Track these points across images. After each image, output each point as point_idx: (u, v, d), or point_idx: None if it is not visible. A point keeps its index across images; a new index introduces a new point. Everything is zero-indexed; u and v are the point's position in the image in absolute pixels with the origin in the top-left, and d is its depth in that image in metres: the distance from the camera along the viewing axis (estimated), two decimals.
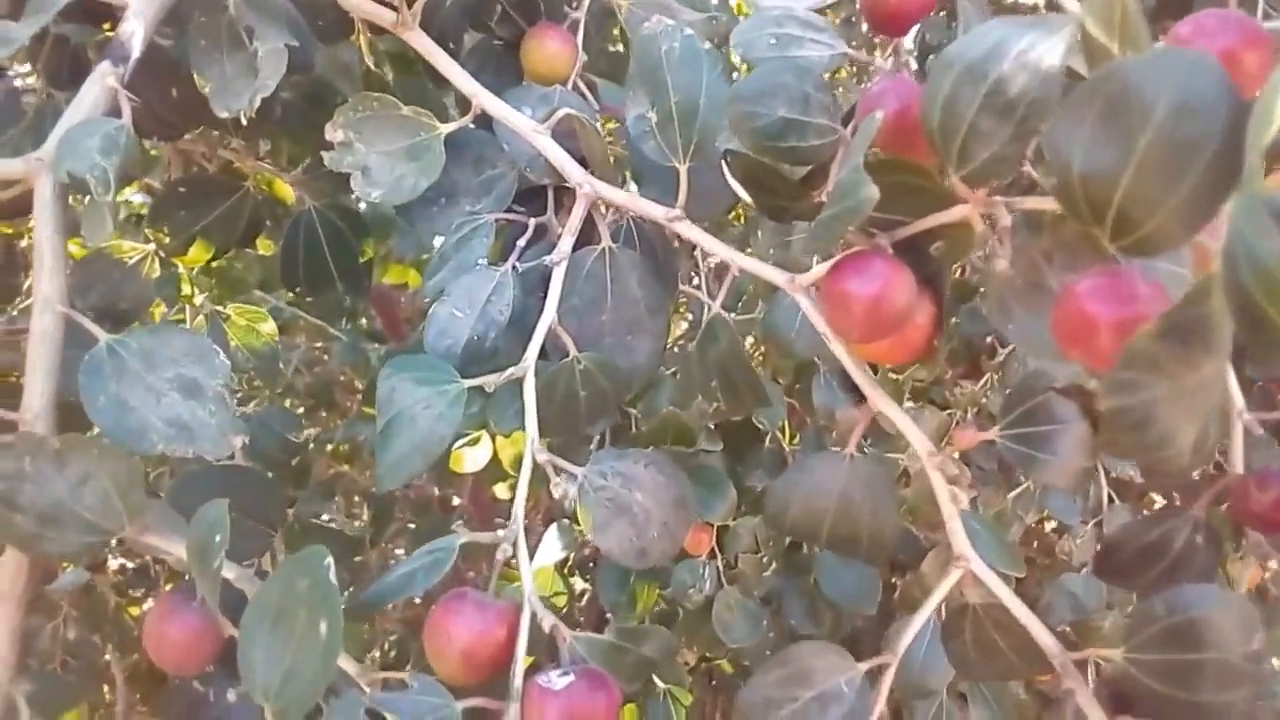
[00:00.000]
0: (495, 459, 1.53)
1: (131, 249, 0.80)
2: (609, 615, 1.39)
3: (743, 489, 1.30)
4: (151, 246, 0.77)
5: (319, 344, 1.89)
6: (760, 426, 1.31)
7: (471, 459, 1.60)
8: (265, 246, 0.88)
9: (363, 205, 0.74)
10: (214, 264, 0.80)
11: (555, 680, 0.44)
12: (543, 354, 0.56)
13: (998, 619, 0.52)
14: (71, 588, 1.84)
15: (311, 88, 0.70)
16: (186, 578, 0.55)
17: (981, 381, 1.58)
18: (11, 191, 0.54)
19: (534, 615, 0.47)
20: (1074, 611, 1.39)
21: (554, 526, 1.42)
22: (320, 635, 0.44)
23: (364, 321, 1.80)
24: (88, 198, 0.51)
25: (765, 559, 1.28)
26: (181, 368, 0.53)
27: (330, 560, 0.45)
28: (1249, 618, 0.45)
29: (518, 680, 0.45)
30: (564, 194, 0.63)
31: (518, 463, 1.57)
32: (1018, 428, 0.51)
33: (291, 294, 0.74)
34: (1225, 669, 0.45)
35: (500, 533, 0.48)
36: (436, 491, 2.04)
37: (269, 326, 0.76)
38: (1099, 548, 0.59)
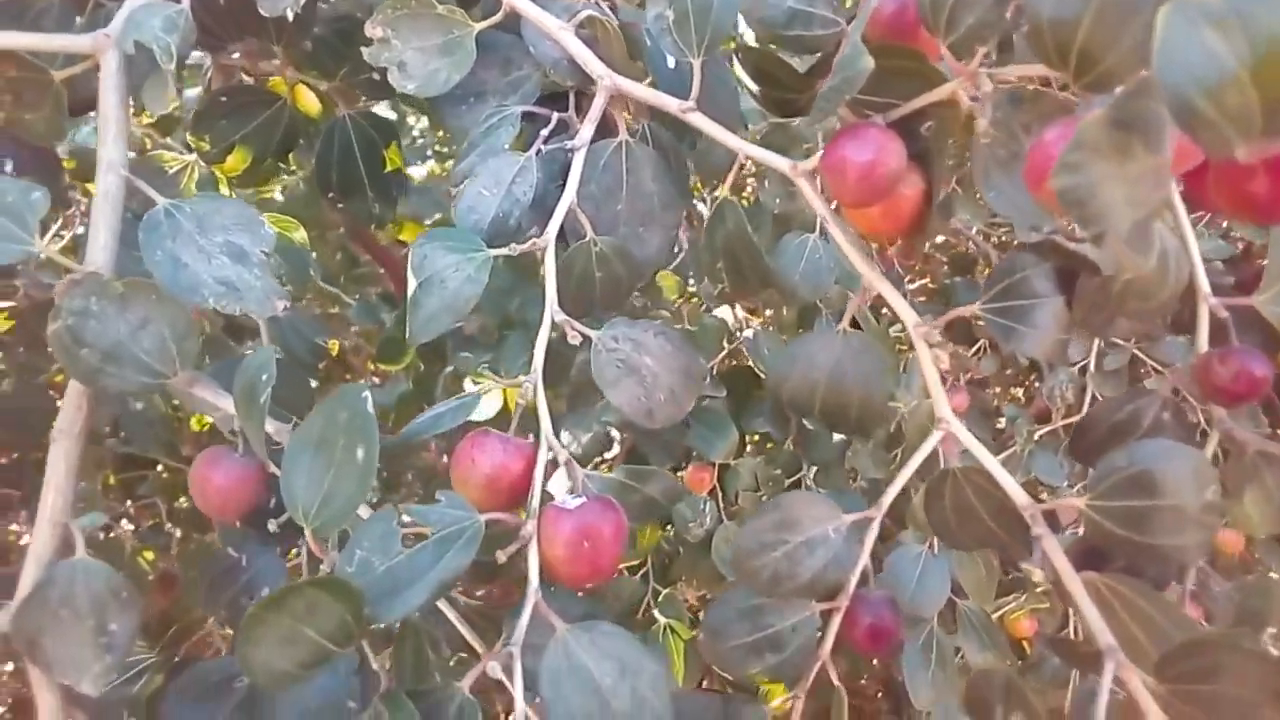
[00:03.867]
0: (505, 409, 1.58)
1: (173, 158, 0.84)
2: None
3: (743, 433, 1.35)
4: (192, 157, 0.82)
5: (334, 308, 1.94)
6: (761, 375, 1.36)
7: (482, 410, 1.65)
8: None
9: (393, 116, 0.78)
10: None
11: (570, 502, 0.48)
12: (562, 238, 0.60)
13: (976, 483, 0.56)
14: (91, 528, 1.90)
15: None
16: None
17: (974, 349, 1.63)
18: (76, 68, 0.59)
19: (550, 450, 0.51)
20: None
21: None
22: (358, 460, 0.49)
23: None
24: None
25: (764, 497, 1.32)
26: (230, 234, 0.57)
27: (368, 394, 0.50)
28: (1204, 471, 0.50)
29: (535, 501, 0.49)
30: (584, 99, 0.67)
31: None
32: (998, 302, 0.55)
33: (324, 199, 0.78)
34: (1179, 515, 0.49)
35: (522, 378, 0.53)
36: (445, 460, 2.09)
37: (300, 234, 0.81)
38: (1074, 430, 0.63)
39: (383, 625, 0.46)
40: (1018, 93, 0.48)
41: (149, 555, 1.94)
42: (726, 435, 1.27)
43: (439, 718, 0.44)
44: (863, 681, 1.99)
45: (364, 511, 0.53)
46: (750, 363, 1.38)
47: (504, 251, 0.57)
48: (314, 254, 1.48)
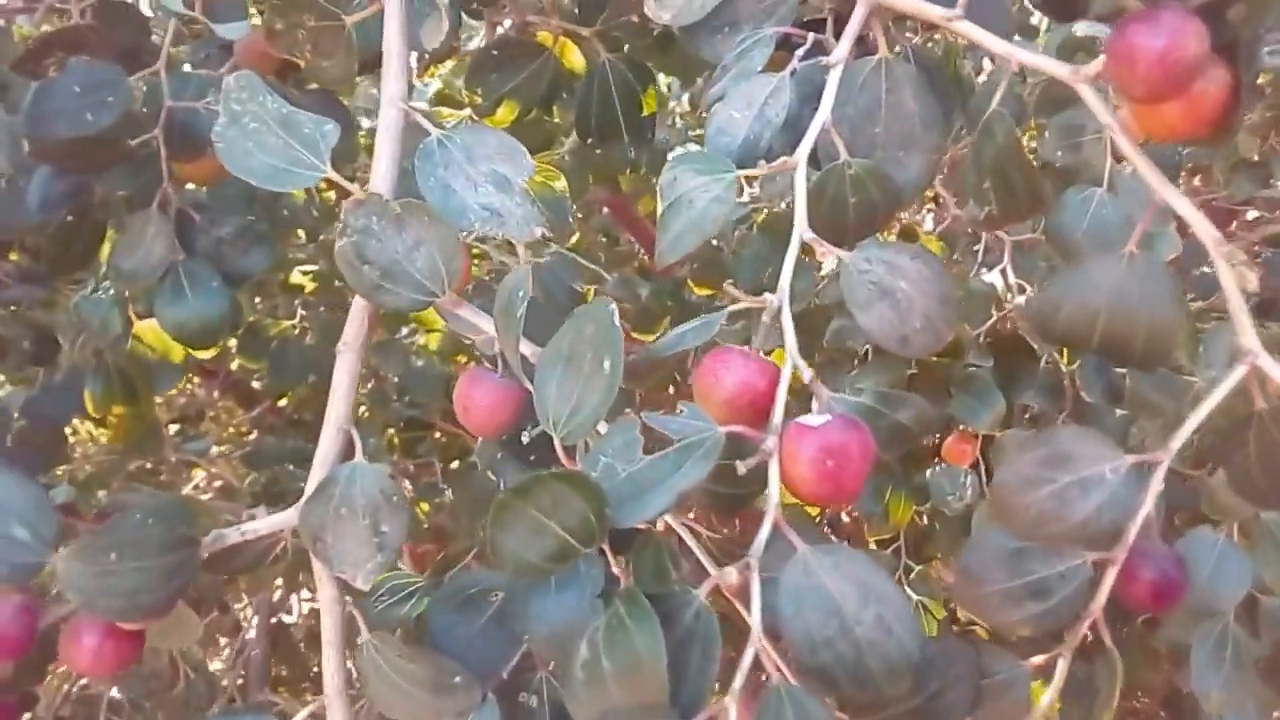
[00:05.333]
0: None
1: (449, 114, 0.90)
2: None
3: (1012, 408, 1.26)
4: (466, 111, 0.87)
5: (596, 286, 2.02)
6: (1034, 346, 1.27)
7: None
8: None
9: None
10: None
11: (814, 419, 0.47)
12: (814, 162, 0.58)
13: None
14: None
15: None
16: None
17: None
18: (365, 13, 0.64)
19: (794, 368, 0.50)
20: None
21: None
22: (604, 371, 0.49)
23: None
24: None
25: None
26: (495, 164, 0.60)
27: (614, 307, 0.51)
28: None
29: (777, 418, 0.48)
30: (841, 22, 0.65)
31: None
32: None
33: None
34: None
35: (768, 295, 0.51)
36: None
37: (561, 183, 0.84)
38: None
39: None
40: None
41: (424, 508, 2.10)
42: (993, 404, 1.19)
43: (675, 622, 0.44)
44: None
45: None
46: (1021, 331, 1.29)
47: (754, 171, 0.56)
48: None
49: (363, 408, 2.27)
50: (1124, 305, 0.52)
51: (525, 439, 0.62)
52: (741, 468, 0.46)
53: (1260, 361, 0.48)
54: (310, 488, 0.60)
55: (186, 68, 0.85)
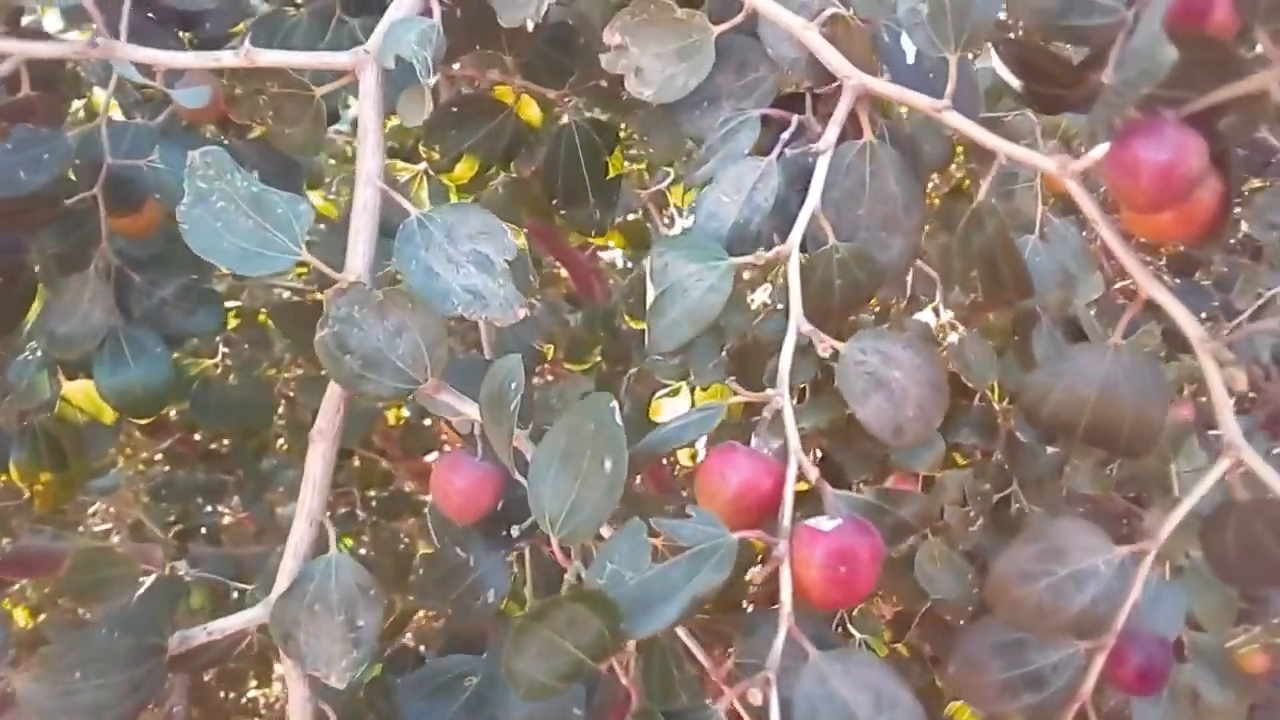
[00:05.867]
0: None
1: (404, 168, 0.88)
2: None
3: (949, 445, 1.29)
4: (421, 166, 0.85)
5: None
6: (968, 384, 1.30)
7: (670, 409, 1.65)
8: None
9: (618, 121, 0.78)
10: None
11: (824, 523, 0.46)
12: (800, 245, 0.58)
13: (1268, 516, 0.51)
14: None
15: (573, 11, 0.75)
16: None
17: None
18: (335, 84, 0.61)
19: (799, 467, 0.49)
20: None
21: None
22: (605, 471, 0.48)
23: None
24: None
25: (972, 513, 1.26)
26: (476, 243, 0.58)
27: (615, 404, 0.49)
28: None
29: (786, 520, 0.48)
30: (819, 100, 0.65)
31: None
32: None
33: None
34: None
35: (770, 390, 0.51)
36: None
37: (520, 241, 0.83)
38: None
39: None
40: None
41: (348, 541, 2.05)
42: (933, 446, 1.22)
43: None
44: None
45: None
46: (953, 368, 1.32)
47: (748, 260, 0.55)
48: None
49: (280, 440, 2.20)
50: (1111, 396, 0.53)
51: (515, 532, 0.61)
52: (758, 576, 0.45)
53: (1244, 456, 0.49)
54: (281, 583, 0.58)
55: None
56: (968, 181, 1.43)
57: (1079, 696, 0.52)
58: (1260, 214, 1.29)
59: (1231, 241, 1.70)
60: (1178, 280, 1.82)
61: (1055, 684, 0.52)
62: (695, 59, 0.61)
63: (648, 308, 0.56)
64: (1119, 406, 0.53)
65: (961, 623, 1.41)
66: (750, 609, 0.91)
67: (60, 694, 0.48)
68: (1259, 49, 0.44)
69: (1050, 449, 1.26)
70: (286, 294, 1.68)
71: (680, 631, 0.58)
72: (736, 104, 0.64)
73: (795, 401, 0.52)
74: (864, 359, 0.53)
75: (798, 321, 0.53)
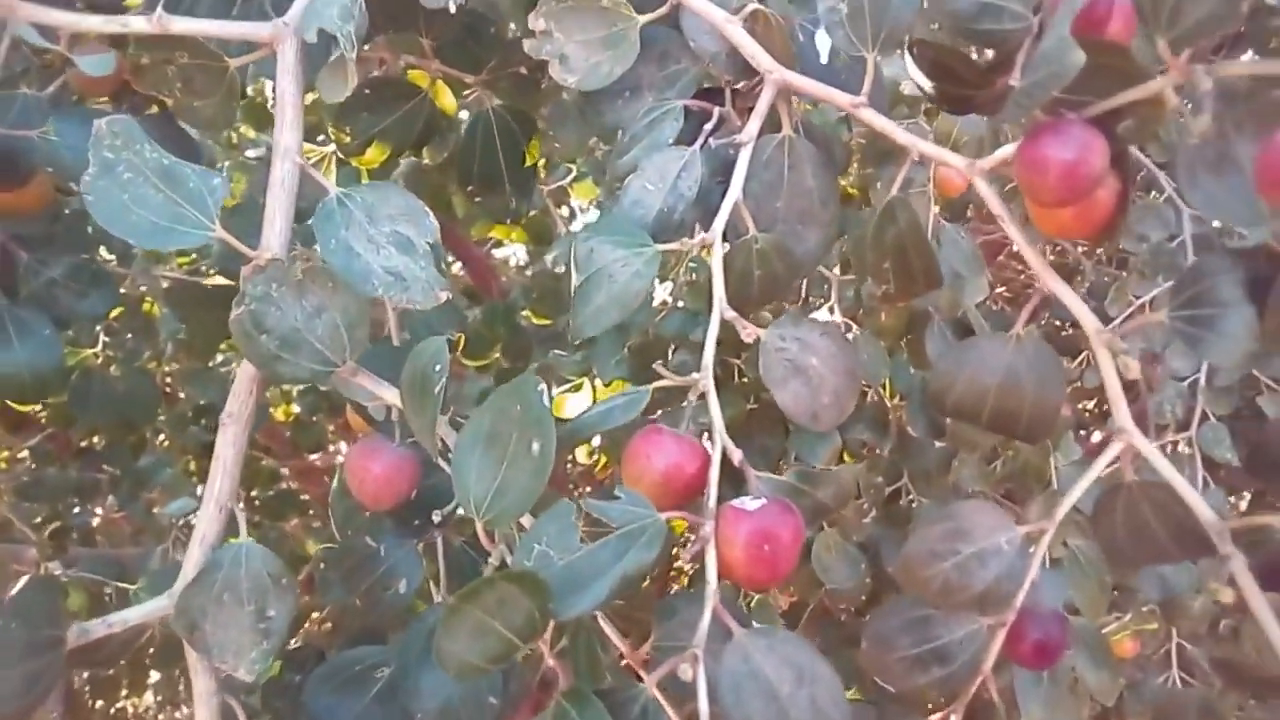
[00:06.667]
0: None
1: (309, 150, 0.85)
2: None
3: (844, 440, 1.33)
4: (330, 149, 0.83)
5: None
6: (863, 383, 1.34)
7: (571, 407, 1.66)
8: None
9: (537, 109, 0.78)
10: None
11: (749, 503, 0.47)
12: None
13: (1154, 498, 0.54)
14: (183, 513, 1.94)
15: None
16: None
17: (1076, 360, 1.59)
18: (251, 56, 0.60)
19: (724, 450, 0.50)
20: (1162, 592, 1.40)
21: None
22: (533, 453, 0.48)
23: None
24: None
25: (865, 506, 1.30)
26: (397, 225, 0.57)
27: (544, 388, 0.49)
28: None
29: (712, 501, 0.48)
30: (736, 95, 0.67)
31: None
32: (1187, 309, 0.53)
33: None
34: None
35: (695, 375, 0.52)
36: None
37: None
38: (1248, 448, 0.61)
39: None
40: (1229, 91, 0.46)
41: (234, 542, 1.98)
42: (829, 441, 1.25)
43: (623, 716, 0.43)
44: None
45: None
46: None
47: (672, 246, 0.56)
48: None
49: (161, 436, 2.11)
50: (1012, 385, 0.55)
51: (437, 517, 0.60)
52: (685, 556, 0.46)
53: (1134, 440, 0.53)
54: (188, 571, 0.56)
55: None
56: (854, 190, 1.47)
57: (982, 670, 0.55)
58: (1130, 227, 1.37)
59: (1099, 254, 1.80)
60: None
61: (961, 658, 0.54)
62: (620, 48, 0.62)
63: (572, 293, 0.56)
64: (1019, 396, 0.55)
65: (843, 619, 1.46)
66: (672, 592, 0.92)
67: None
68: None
69: (939, 444, 1.32)
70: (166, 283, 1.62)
71: (606, 627, 0.58)
72: (659, 95, 0.64)
73: (695, 399, 0.53)
74: (784, 345, 0.55)
75: (721, 308, 0.54)
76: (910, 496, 1.31)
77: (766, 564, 0.47)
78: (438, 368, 0.52)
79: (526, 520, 0.51)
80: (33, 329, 0.71)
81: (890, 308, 1.25)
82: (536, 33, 0.62)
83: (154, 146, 0.54)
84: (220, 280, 0.77)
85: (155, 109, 0.77)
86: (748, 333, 0.53)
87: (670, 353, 1.51)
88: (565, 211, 1.92)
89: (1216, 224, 1.30)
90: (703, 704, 0.44)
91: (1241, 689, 0.62)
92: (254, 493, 2.26)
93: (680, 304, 1.52)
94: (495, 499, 0.49)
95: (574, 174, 1.77)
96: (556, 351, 1.60)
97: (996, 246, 1.80)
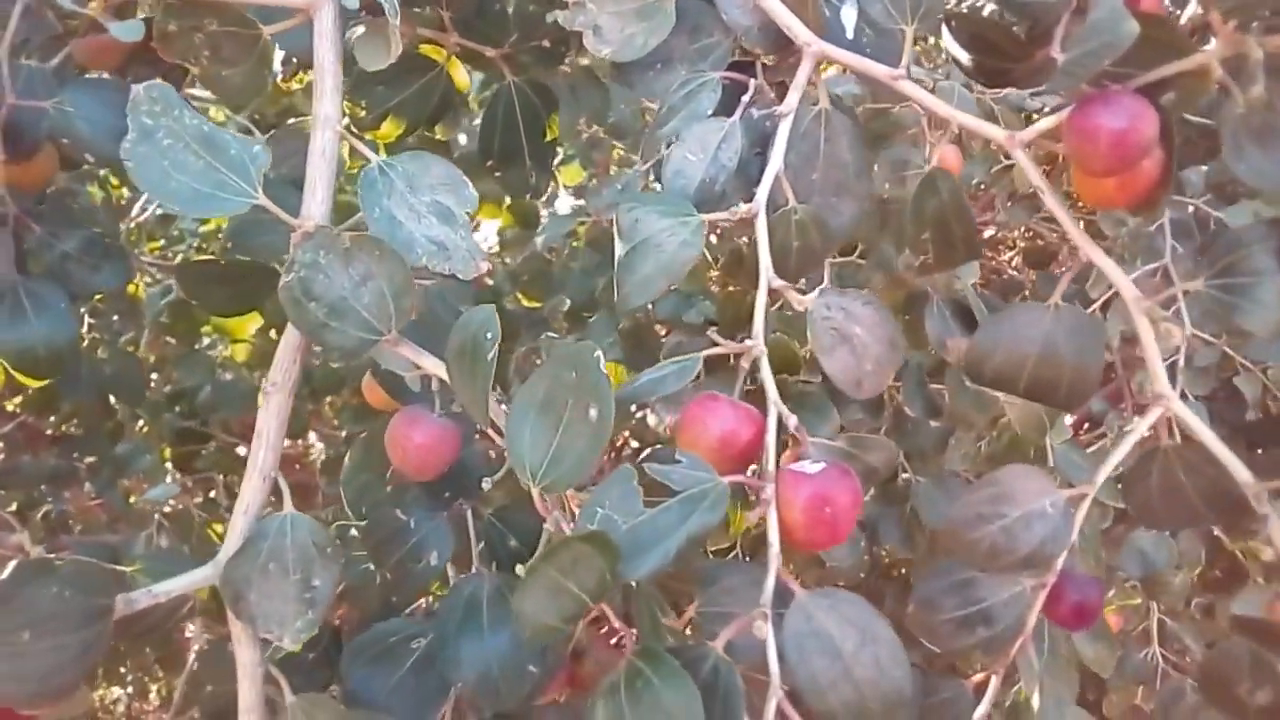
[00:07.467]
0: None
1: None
2: None
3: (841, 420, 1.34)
4: (344, 121, 0.82)
5: None
6: None
7: None
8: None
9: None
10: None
11: (808, 466, 0.48)
12: None
13: (1189, 460, 0.56)
14: (164, 499, 1.92)
15: None
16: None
17: None
18: (286, 23, 0.59)
19: (779, 415, 0.51)
20: (1143, 568, 1.43)
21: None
22: (590, 419, 0.48)
23: None
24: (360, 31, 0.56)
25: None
26: (437, 194, 0.57)
27: (600, 353, 0.50)
28: None
29: (770, 465, 0.49)
30: (766, 69, 0.67)
31: None
32: (1222, 278, 0.54)
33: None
34: None
35: (748, 341, 0.52)
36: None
37: None
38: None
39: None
40: (1276, 63, 0.47)
41: (219, 529, 1.95)
42: (827, 417, 1.26)
43: (694, 675, 0.43)
44: None
45: None
46: None
47: (719, 216, 0.56)
48: None
49: (140, 422, 2.08)
50: (1051, 353, 0.56)
51: (487, 485, 0.60)
52: (752, 518, 0.46)
53: (1173, 406, 0.54)
54: (232, 541, 0.55)
55: None
56: None
57: (1024, 631, 0.56)
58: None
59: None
60: (1034, 273, 1.95)
61: (1005, 619, 0.55)
62: (655, 19, 0.62)
63: (616, 263, 0.56)
64: (1058, 363, 0.56)
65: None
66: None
67: (8, 656, 0.44)
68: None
69: (934, 423, 1.34)
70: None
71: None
72: (691, 67, 0.64)
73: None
74: (829, 314, 0.55)
75: (768, 276, 0.55)
76: (907, 475, 1.33)
77: (827, 526, 0.47)
78: (489, 335, 0.52)
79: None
80: (48, 303, 0.70)
81: (887, 288, 1.26)
82: (570, 4, 0.62)
83: (193, 113, 0.53)
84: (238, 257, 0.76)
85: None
86: (797, 301, 0.54)
87: (664, 336, 1.52)
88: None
89: (1191, 209, 1.32)
90: (773, 662, 0.44)
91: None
92: (228, 478, 2.23)
93: (674, 287, 1.53)
94: (551, 466, 0.49)
95: (560, 156, 1.77)
96: (548, 334, 1.60)
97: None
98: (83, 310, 1.44)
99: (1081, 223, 0.55)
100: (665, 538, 0.46)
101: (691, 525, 0.46)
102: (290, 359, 0.55)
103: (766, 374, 0.52)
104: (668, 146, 0.59)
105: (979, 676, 0.57)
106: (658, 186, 0.60)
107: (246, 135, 0.55)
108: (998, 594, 0.55)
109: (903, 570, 1.73)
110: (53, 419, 1.94)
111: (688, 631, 0.54)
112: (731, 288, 1.51)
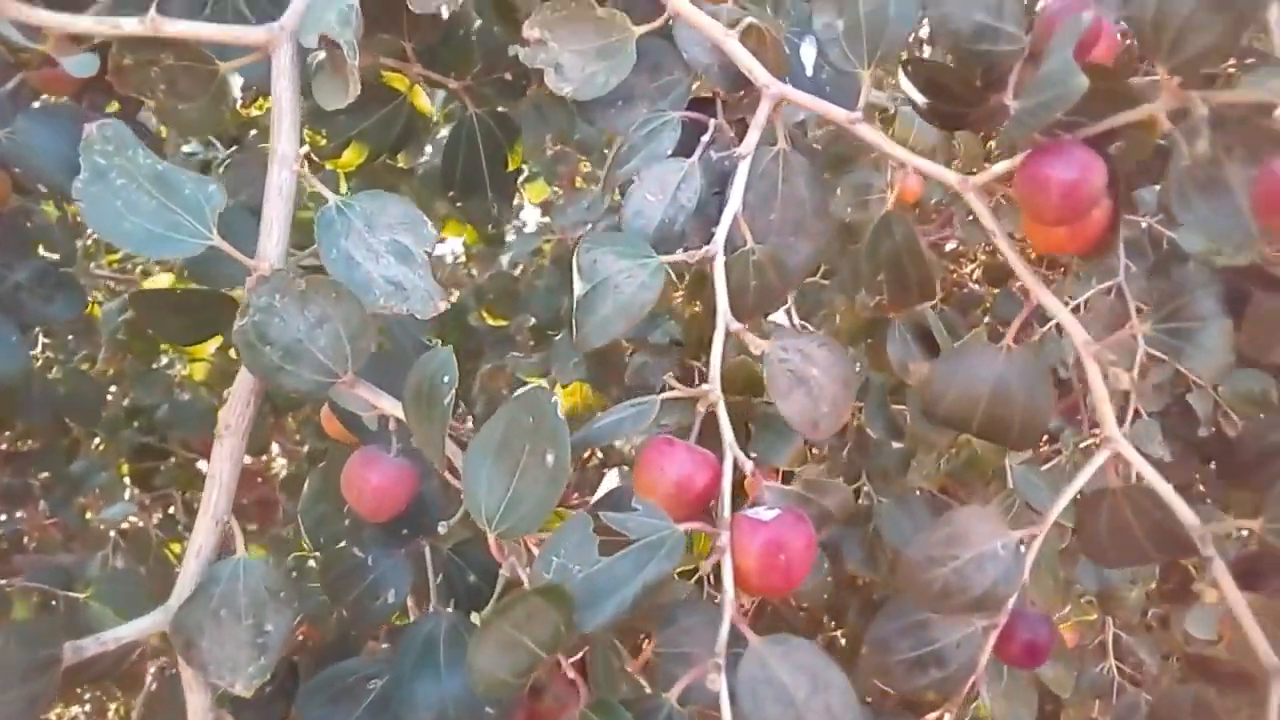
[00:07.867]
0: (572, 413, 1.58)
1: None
2: None
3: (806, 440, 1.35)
4: (304, 149, 0.81)
5: None
6: None
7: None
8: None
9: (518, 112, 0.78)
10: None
11: (763, 513, 0.48)
12: None
13: (1136, 502, 0.57)
14: (120, 518, 1.89)
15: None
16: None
17: None
18: (243, 60, 0.58)
19: (735, 460, 0.51)
20: (1099, 583, 1.45)
21: (613, 471, 1.47)
22: (547, 464, 0.48)
23: None
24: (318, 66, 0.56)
25: None
26: (395, 233, 0.57)
27: (557, 399, 0.50)
28: None
29: (726, 512, 0.49)
30: (725, 107, 0.67)
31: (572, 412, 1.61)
32: (1169, 322, 0.55)
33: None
34: None
35: (705, 386, 0.52)
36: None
37: None
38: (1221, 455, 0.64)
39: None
40: (1221, 116, 0.48)
41: (175, 549, 1.93)
42: (790, 441, 1.27)
43: None
44: None
45: None
46: None
47: (677, 258, 0.57)
48: None
49: (96, 439, 2.05)
50: (1004, 394, 0.57)
51: (443, 529, 0.60)
52: (705, 566, 0.46)
53: (1120, 447, 0.55)
54: (184, 588, 0.54)
55: None
56: None
57: (976, 671, 0.57)
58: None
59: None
60: (994, 290, 1.98)
61: (957, 660, 0.56)
62: (617, 58, 0.62)
63: (575, 303, 0.56)
64: (1010, 404, 0.57)
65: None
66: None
67: None
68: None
69: (895, 444, 1.35)
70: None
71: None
72: (652, 105, 0.65)
73: (703, 409, 0.54)
74: (786, 357, 0.56)
75: (726, 319, 0.55)
76: (869, 495, 1.34)
77: (781, 572, 0.48)
78: (446, 379, 0.52)
79: None
80: None
81: (849, 311, 1.28)
82: (531, 42, 0.62)
83: (147, 152, 0.53)
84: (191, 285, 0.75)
85: (117, 106, 0.75)
86: (754, 345, 0.54)
87: (629, 355, 1.52)
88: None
89: (1144, 225, 1.35)
90: (725, 712, 0.44)
91: (1211, 684, 0.65)
92: (187, 495, 2.20)
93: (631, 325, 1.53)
94: (508, 511, 0.49)
95: (525, 174, 1.77)
96: (514, 353, 1.59)
97: (935, 248, 1.85)
98: (36, 330, 1.42)
99: None
100: (622, 586, 0.46)
101: (648, 574, 0.46)
102: (245, 401, 0.55)
103: (723, 419, 0.52)
104: (628, 185, 0.59)
105: (932, 716, 0.57)
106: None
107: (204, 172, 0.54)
108: (950, 635, 0.56)
109: (866, 580, 1.74)
110: (6, 434, 1.91)
111: (645, 672, 0.54)
112: (697, 308, 1.52)
